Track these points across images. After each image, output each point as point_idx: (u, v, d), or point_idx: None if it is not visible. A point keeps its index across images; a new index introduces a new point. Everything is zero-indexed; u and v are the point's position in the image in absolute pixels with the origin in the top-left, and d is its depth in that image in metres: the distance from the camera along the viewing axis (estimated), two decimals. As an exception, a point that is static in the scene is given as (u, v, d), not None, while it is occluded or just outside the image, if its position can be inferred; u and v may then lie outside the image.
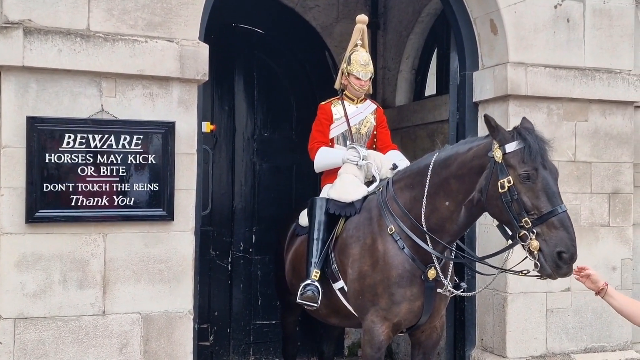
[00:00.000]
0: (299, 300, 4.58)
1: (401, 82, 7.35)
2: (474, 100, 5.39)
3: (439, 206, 4.09)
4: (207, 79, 4.41)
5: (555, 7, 5.26)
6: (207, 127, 4.64)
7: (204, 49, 4.39)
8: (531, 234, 3.61)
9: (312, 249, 4.68)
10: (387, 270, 4.21)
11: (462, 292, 4.37)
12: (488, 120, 3.83)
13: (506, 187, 3.70)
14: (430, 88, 7.16)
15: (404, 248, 4.21)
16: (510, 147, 3.75)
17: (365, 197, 4.62)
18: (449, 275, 4.31)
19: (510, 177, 3.70)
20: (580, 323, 5.24)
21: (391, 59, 7.42)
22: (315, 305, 4.53)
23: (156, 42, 4.27)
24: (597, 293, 3.40)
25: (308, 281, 4.56)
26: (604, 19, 5.38)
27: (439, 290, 4.22)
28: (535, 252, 3.61)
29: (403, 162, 4.83)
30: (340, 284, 4.55)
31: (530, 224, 3.62)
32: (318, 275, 4.55)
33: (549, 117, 5.19)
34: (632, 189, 5.46)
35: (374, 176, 4.81)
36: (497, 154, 3.77)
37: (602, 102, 5.33)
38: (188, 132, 4.36)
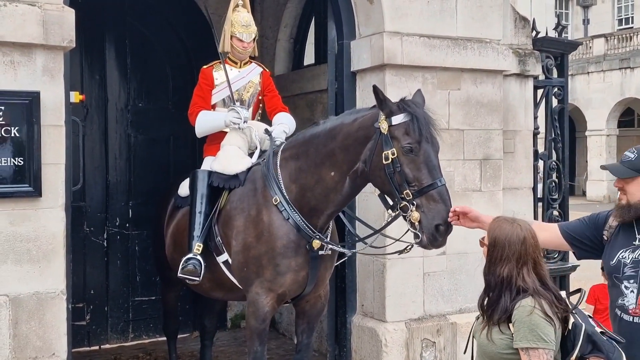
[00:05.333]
0: (180, 275, 4.49)
1: (279, 52, 7.28)
2: (351, 69, 5.41)
3: (325, 177, 4.10)
4: (74, 45, 4.16)
5: (429, -23, 5.35)
6: (75, 97, 4.38)
7: (70, 13, 4.13)
8: (412, 205, 3.66)
9: (194, 222, 4.58)
10: (272, 241, 4.19)
11: (344, 251, 4.38)
12: (377, 92, 3.82)
13: (390, 159, 3.73)
14: (309, 57, 7.15)
15: (288, 218, 4.19)
16: (397, 119, 3.77)
17: (249, 169, 4.55)
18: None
19: (394, 148, 3.73)
20: (455, 285, 5.45)
21: (269, 27, 7.31)
22: (198, 279, 4.45)
23: (16, 6, 3.99)
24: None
25: (190, 255, 4.48)
26: (474, -11, 5.52)
27: (320, 252, 4.22)
28: (416, 224, 3.66)
29: (280, 127, 4.69)
30: (224, 256, 4.49)
31: (411, 195, 3.67)
32: (200, 248, 4.47)
33: (424, 85, 5.27)
34: (502, 155, 5.69)
35: (257, 147, 4.73)
36: (383, 126, 3.79)
37: (473, 71, 5.50)
38: (55, 102, 4.10)
